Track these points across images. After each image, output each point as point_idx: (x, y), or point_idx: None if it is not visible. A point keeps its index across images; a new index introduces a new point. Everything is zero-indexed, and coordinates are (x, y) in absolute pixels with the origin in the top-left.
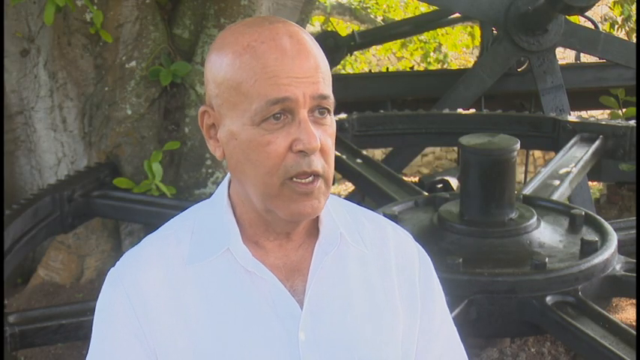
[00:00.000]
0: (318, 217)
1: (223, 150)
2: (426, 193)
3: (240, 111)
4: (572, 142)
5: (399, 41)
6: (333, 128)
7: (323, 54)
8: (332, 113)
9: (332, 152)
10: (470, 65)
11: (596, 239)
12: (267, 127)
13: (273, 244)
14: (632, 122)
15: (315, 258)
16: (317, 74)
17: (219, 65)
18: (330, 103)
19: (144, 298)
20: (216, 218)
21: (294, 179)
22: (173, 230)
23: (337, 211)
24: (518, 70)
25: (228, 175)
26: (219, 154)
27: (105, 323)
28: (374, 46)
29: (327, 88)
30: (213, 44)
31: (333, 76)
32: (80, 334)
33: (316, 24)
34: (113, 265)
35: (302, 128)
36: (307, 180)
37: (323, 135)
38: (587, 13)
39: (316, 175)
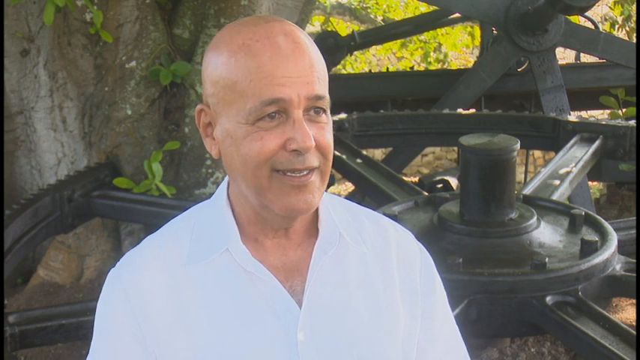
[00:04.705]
0: (317, 216)
1: (219, 148)
2: (426, 193)
3: (235, 110)
4: (572, 142)
5: (399, 41)
6: (330, 124)
7: (319, 53)
8: (328, 112)
9: (330, 147)
10: (470, 65)
11: (596, 239)
12: (262, 125)
13: (273, 243)
14: (632, 122)
15: (314, 258)
16: (312, 74)
17: (215, 64)
18: (326, 103)
19: (142, 298)
20: (215, 218)
21: (288, 173)
22: (172, 231)
23: (337, 211)
24: (518, 70)
25: (228, 178)
26: (215, 153)
27: (105, 324)
28: (374, 46)
29: (322, 89)
30: (210, 43)
31: (333, 76)
32: (80, 334)
33: (316, 24)
34: (113, 266)
35: (296, 128)
36: (301, 173)
37: (319, 132)
38: (587, 13)
39: (311, 169)
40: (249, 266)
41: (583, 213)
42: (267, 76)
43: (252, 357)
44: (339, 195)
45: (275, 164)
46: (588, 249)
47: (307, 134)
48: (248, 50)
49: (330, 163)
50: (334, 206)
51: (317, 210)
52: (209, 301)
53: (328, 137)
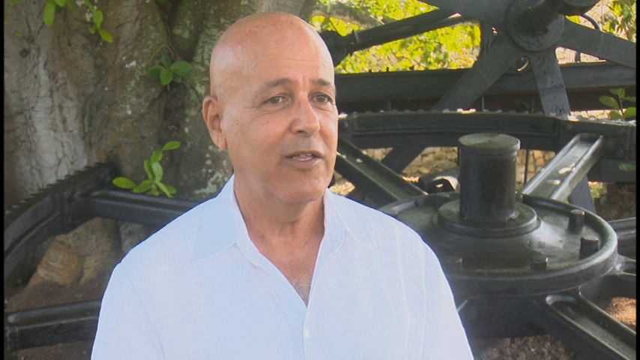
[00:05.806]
0: (323, 214)
1: (225, 140)
2: (426, 193)
3: (242, 94)
4: (572, 142)
5: (399, 41)
6: (335, 115)
7: (325, 46)
8: (333, 102)
9: (334, 137)
10: (470, 65)
11: (596, 239)
12: (267, 108)
13: (279, 240)
14: (632, 122)
15: (320, 255)
16: (317, 59)
17: (223, 54)
18: (331, 90)
19: (150, 293)
20: (222, 214)
21: (293, 157)
22: (179, 227)
23: (343, 210)
24: (518, 70)
25: (234, 174)
26: (222, 144)
27: (112, 317)
28: (374, 46)
29: (327, 74)
30: (219, 39)
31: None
32: (80, 334)
33: (316, 24)
34: (118, 262)
35: (301, 109)
36: (306, 158)
37: (324, 119)
38: (587, 13)
39: (316, 156)
40: (256, 261)
41: (583, 213)
42: (273, 58)
43: (257, 353)
44: (339, 195)
45: (283, 149)
46: (588, 249)
47: (312, 115)
48: (254, 36)
49: (334, 155)
50: (340, 205)
51: (323, 208)
52: (215, 296)
53: (332, 126)
